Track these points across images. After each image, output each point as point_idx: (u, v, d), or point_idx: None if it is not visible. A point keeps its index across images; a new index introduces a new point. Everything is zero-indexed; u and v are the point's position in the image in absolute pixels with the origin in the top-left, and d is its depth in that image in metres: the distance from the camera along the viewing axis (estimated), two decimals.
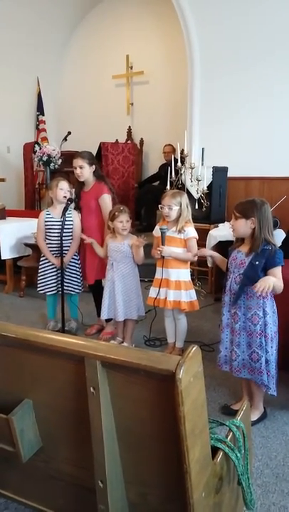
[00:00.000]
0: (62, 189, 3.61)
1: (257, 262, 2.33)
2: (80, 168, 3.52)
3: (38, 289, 3.80)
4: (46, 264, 3.73)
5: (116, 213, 3.29)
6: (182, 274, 3.20)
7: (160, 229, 3.15)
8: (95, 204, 3.58)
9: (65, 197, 3.59)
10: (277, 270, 2.33)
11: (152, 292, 3.27)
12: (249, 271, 2.36)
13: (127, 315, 3.37)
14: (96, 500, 1.32)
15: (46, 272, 3.74)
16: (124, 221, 3.28)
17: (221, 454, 1.38)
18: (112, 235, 3.36)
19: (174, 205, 3.11)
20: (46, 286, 3.75)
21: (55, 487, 1.52)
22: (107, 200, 3.56)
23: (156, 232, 3.21)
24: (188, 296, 3.20)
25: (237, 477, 1.45)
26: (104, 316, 3.47)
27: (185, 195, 3.20)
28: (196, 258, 3.24)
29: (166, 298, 3.20)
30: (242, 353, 2.41)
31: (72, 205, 3.64)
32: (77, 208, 3.73)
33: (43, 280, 3.75)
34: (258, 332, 2.37)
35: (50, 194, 3.74)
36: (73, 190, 3.71)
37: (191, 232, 3.15)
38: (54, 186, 3.64)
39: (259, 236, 2.34)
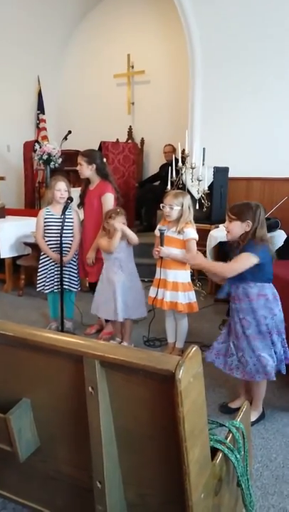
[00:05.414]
0: (60, 190, 3.62)
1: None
2: (80, 165, 3.57)
3: (38, 288, 3.78)
4: (46, 262, 3.73)
5: (112, 215, 3.25)
6: (180, 275, 3.18)
7: (159, 229, 3.14)
8: (98, 202, 3.57)
9: (62, 197, 3.61)
10: (240, 256, 2.34)
11: (152, 292, 3.26)
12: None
13: (121, 313, 3.28)
14: (94, 501, 1.31)
15: (46, 270, 3.73)
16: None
17: (220, 455, 1.36)
18: (106, 235, 3.29)
19: (175, 205, 3.09)
20: (46, 284, 3.74)
21: (53, 487, 1.50)
22: (109, 199, 3.54)
23: (158, 232, 3.20)
24: (186, 297, 3.17)
25: (236, 478, 1.44)
26: (92, 310, 3.47)
27: (188, 197, 3.17)
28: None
29: (163, 298, 3.19)
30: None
31: (72, 204, 3.63)
32: (82, 204, 3.74)
33: (42, 278, 3.75)
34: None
35: (49, 193, 3.76)
36: (73, 189, 3.72)
37: (190, 233, 3.12)
38: (52, 187, 3.68)
39: (252, 238, 2.33)
